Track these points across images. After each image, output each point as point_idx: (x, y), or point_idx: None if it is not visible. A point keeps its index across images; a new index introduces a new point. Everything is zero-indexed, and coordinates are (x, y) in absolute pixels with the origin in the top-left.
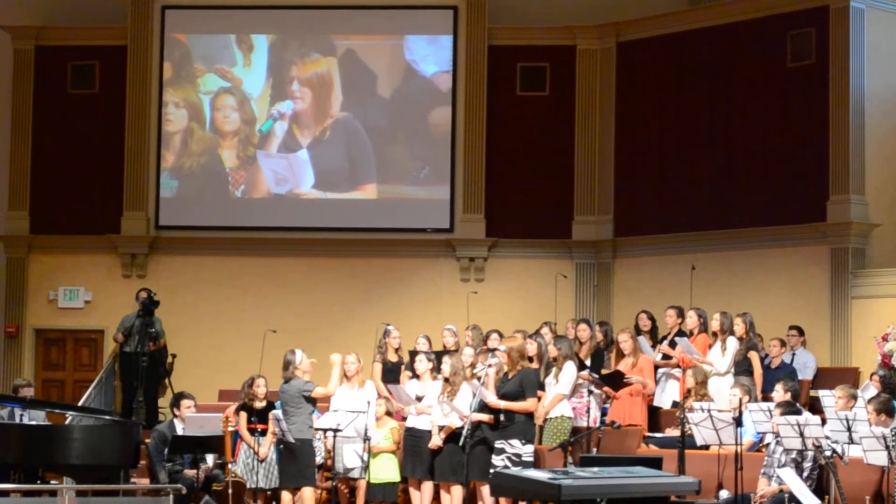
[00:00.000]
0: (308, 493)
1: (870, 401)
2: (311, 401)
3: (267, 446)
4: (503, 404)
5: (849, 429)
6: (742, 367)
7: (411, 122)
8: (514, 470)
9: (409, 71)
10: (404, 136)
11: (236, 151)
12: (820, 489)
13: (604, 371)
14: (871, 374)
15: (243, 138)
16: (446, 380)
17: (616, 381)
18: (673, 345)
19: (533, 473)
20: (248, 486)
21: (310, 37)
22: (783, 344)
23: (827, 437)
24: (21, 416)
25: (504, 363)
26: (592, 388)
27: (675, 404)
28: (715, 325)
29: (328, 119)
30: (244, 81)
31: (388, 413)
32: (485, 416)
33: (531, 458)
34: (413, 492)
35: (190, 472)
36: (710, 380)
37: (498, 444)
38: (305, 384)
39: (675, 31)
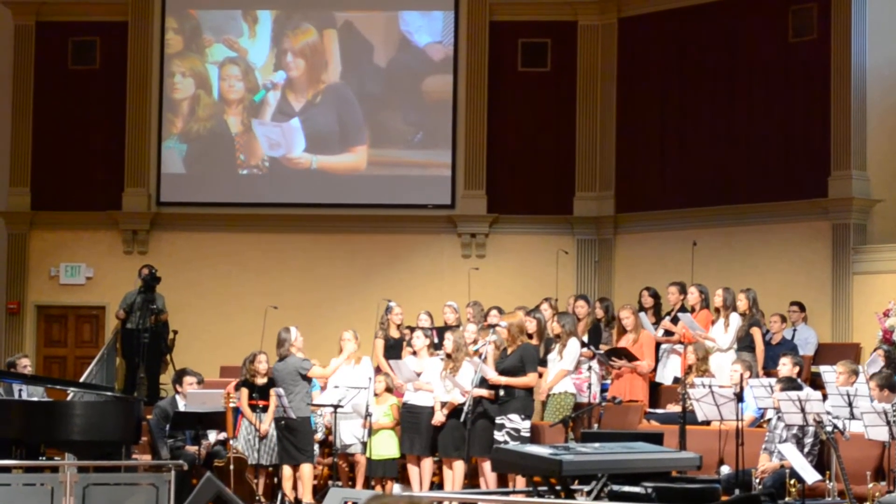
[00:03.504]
0: (307, 469)
1: (872, 376)
2: (307, 379)
3: (268, 422)
4: (503, 380)
5: (850, 404)
6: (744, 343)
7: (406, 89)
8: (515, 445)
9: (404, 41)
10: (399, 103)
11: (241, 118)
12: (821, 464)
13: (603, 346)
14: (875, 349)
15: (247, 106)
16: (448, 356)
17: (619, 356)
18: (675, 321)
19: (534, 449)
20: (249, 462)
21: (312, 11)
22: (784, 320)
23: (828, 413)
24: (20, 391)
25: (504, 339)
26: (592, 363)
27: (676, 380)
28: (717, 300)
29: (320, 85)
30: (249, 52)
31: (389, 389)
32: (485, 392)
33: (528, 434)
34: (411, 468)
35: (191, 449)
36: (712, 356)
37: (498, 420)
38: (303, 362)
39: (677, 6)
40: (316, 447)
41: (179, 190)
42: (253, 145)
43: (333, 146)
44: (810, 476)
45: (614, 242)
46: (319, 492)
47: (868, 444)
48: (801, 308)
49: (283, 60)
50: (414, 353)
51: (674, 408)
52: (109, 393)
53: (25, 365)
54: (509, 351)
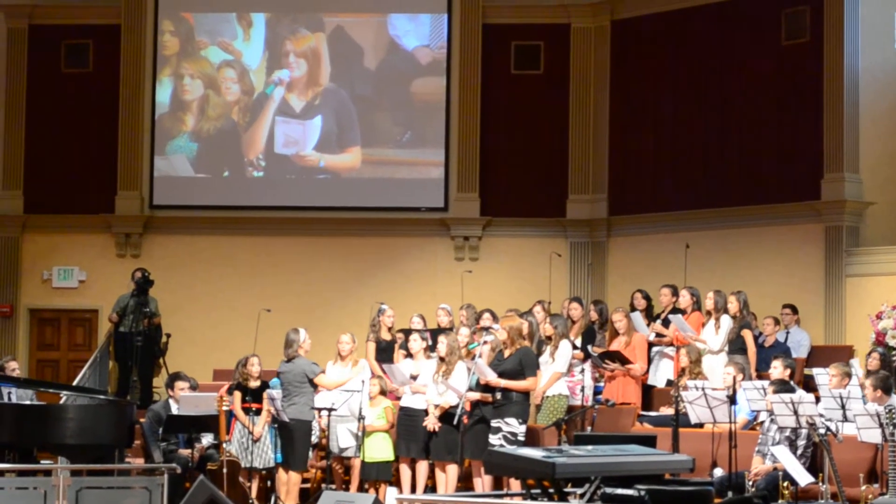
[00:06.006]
0: (294, 477)
1: (868, 375)
2: (313, 384)
3: (261, 425)
4: (503, 383)
5: (843, 407)
6: (736, 346)
7: (395, 92)
8: (509, 448)
9: (393, 45)
10: (389, 105)
11: (237, 119)
12: (814, 467)
13: (596, 348)
14: (870, 352)
15: (243, 107)
16: (441, 359)
17: (612, 359)
18: (666, 323)
19: (527, 451)
20: (242, 465)
21: (302, 15)
22: (777, 322)
23: (821, 415)
24: (9, 394)
25: (502, 342)
26: (585, 366)
27: (669, 383)
28: (709, 303)
29: (318, 87)
30: (244, 54)
31: (383, 392)
32: (479, 395)
33: (524, 439)
34: (405, 470)
35: (185, 452)
36: (704, 358)
37: (494, 423)
38: (311, 366)
39: (670, 9)
40: (310, 450)
41: (172, 193)
42: (251, 144)
43: (333, 146)
44: (803, 478)
45: (607, 245)
46: (313, 495)
47: (861, 447)
48: (794, 311)
49: (286, 62)
50: (410, 355)
51: (667, 410)
52: (102, 396)
53: (14, 368)
54: (506, 354)
